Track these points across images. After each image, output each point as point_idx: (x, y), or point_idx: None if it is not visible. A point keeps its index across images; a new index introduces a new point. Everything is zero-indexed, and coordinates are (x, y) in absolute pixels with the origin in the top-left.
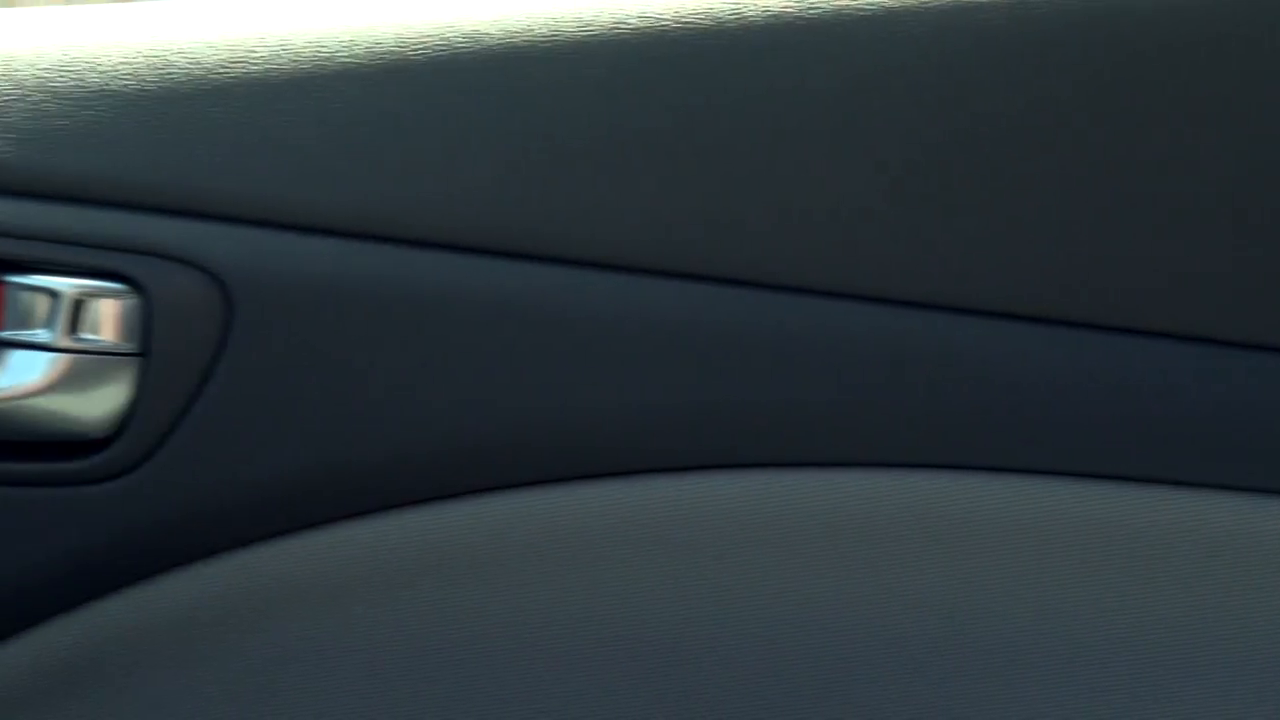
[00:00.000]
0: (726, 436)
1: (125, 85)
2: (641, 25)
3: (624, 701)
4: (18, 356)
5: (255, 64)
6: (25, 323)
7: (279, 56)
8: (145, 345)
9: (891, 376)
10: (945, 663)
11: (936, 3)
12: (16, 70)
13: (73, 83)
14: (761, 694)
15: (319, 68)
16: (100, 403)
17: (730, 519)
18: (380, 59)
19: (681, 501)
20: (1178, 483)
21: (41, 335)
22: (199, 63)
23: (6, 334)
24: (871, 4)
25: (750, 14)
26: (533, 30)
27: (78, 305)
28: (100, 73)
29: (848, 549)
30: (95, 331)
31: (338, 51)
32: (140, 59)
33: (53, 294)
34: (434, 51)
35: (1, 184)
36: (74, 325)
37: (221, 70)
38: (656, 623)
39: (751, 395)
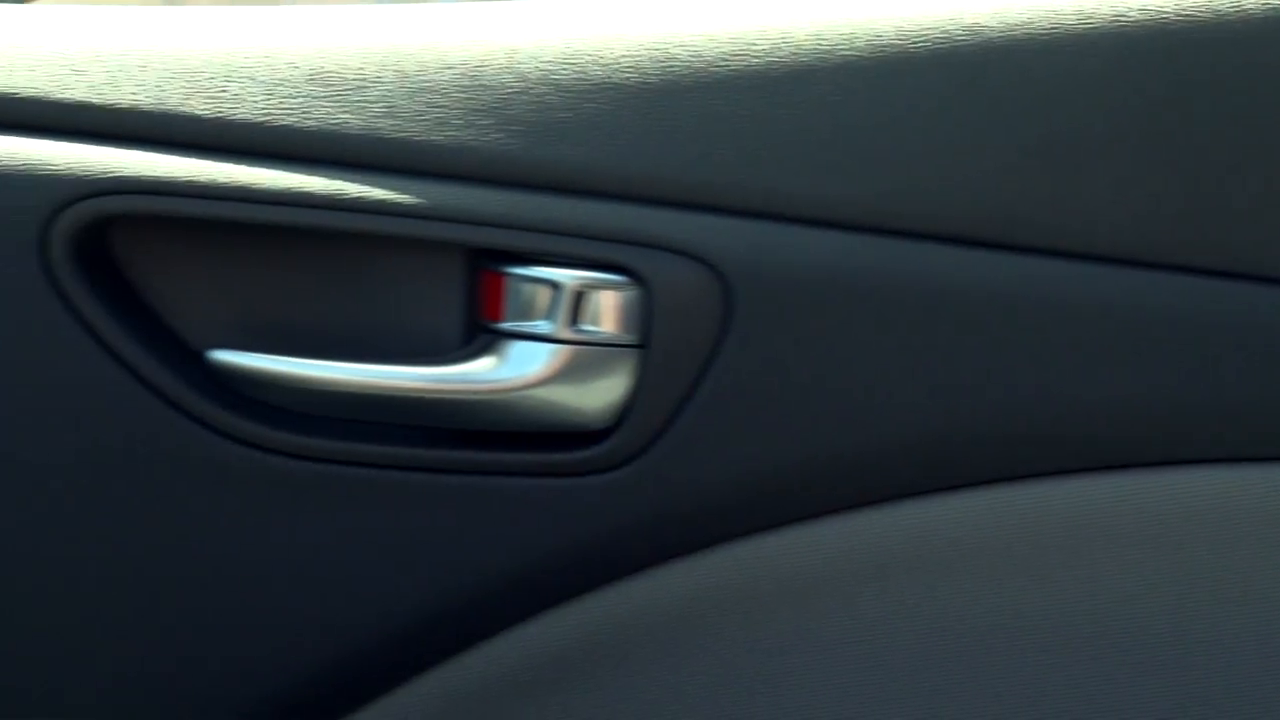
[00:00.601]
0: (1220, 430)
1: (627, 78)
2: (1141, 18)
3: (1124, 694)
4: (519, 347)
5: (756, 57)
6: (527, 314)
7: (780, 49)
8: (645, 337)
9: None
10: None
11: None
12: (520, 63)
13: (575, 75)
14: (1258, 687)
15: (820, 60)
16: (600, 394)
17: (1228, 513)
18: (881, 52)
19: (1177, 495)
20: None
21: (542, 326)
22: (700, 56)
23: (509, 325)
24: None
25: (1249, 6)
26: (1033, 22)
27: (579, 297)
28: (603, 65)
29: None
30: (595, 323)
31: (838, 44)
32: (642, 52)
33: (554, 285)
34: (935, 44)
35: (505, 176)
36: (575, 316)
37: (723, 63)
38: (1156, 617)
39: (1247, 388)
